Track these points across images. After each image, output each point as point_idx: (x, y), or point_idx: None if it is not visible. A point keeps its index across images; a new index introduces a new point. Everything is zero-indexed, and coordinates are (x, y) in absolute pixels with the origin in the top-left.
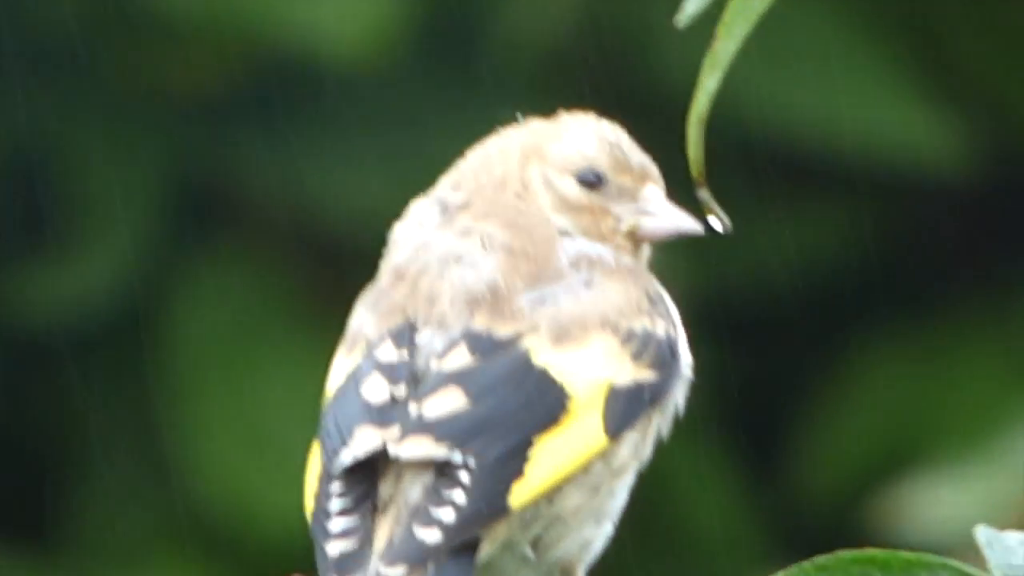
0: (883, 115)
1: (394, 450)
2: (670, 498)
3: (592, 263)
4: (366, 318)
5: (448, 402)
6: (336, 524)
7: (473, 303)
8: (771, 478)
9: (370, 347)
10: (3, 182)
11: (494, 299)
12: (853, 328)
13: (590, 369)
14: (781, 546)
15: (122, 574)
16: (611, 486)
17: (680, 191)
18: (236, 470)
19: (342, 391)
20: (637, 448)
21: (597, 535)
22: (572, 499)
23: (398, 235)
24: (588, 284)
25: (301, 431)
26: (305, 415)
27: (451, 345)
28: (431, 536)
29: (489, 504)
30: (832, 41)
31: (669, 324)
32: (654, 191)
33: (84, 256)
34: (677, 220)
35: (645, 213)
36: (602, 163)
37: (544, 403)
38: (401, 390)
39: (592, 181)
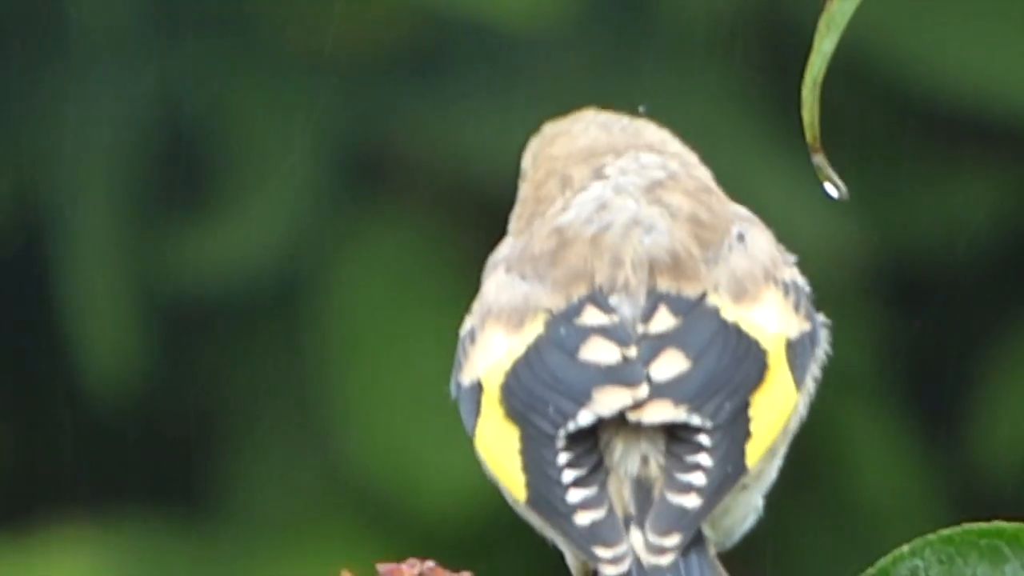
0: None
1: (635, 416)
2: (841, 463)
3: (740, 217)
4: (530, 288)
5: (673, 365)
6: (575, 494)
7: (655, 266)
8: (946, 443)
9: (562, 315)
10: (163, 143)
11: (675, 262)
12: None
13: (769, 324)
14: (956, 513)
15: (280, 542)
16: (784, 448)
17: (843, 153)
18: (395, 437)
19: (534, 360)
20: (804, 405)
21: (760, 501)
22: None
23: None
24: (742, 238)
25: None
26: None
27: (652, 307)
28: (690, 502)
29: (733, 466)
30: None
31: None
32: None
33: (244, 219)
34: None
35: None
36: None
37: (749, 360)
38: (632, 351)
39: None
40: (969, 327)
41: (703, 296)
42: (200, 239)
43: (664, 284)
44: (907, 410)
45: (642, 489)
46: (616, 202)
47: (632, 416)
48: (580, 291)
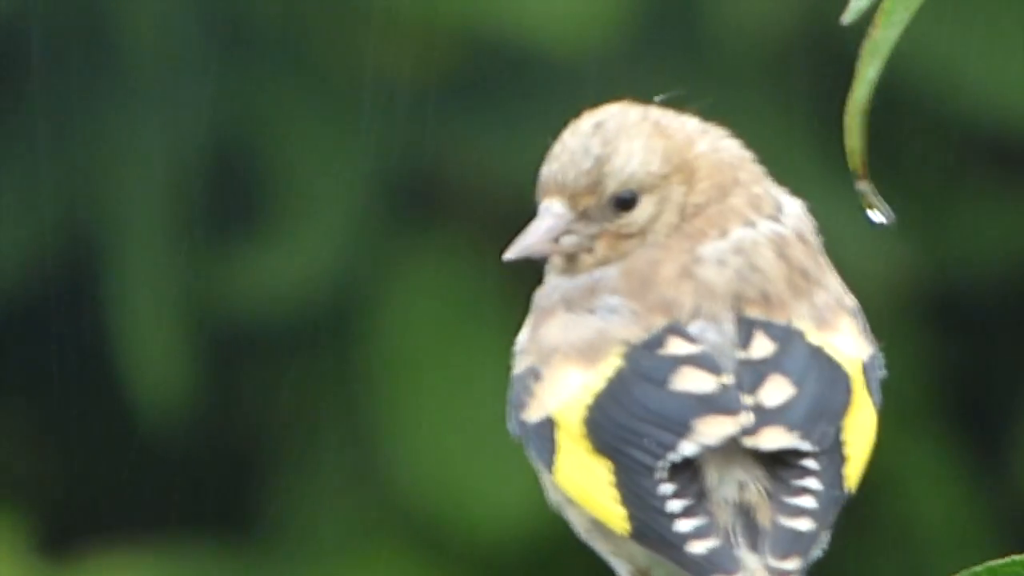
0: None
1: (751, 443)
2: (891, 490)
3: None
4: (603, 322)
5: (781, 391)
6: (684, 524)
7: (742, 297)
8: (996, 470)
9: (642, 346)
10: (215, 169)
11: (764, 298)
12: None
13: (848, 348)
14: (1007, 540)
15: (330, 568)
16: None
17: (890, 179)
18: (446, 464)
19: (618, 393)
20: None
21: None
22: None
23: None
24: (819, 266)
25: None
26: None
27: (747, 333)
28: (803, 525)
29: (839, 489)
30: None
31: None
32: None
33: (294, 244)
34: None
35: None
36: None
37: (839, 384)
38: (728, 379)
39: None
40: (1019, 353)
41: (790, 322)
42: (251, 264)
43: (752, 312)
44: (956, 436)
45: (743, 515)
46: (751, 246)
47: (748, 443)
48: (660, 321)
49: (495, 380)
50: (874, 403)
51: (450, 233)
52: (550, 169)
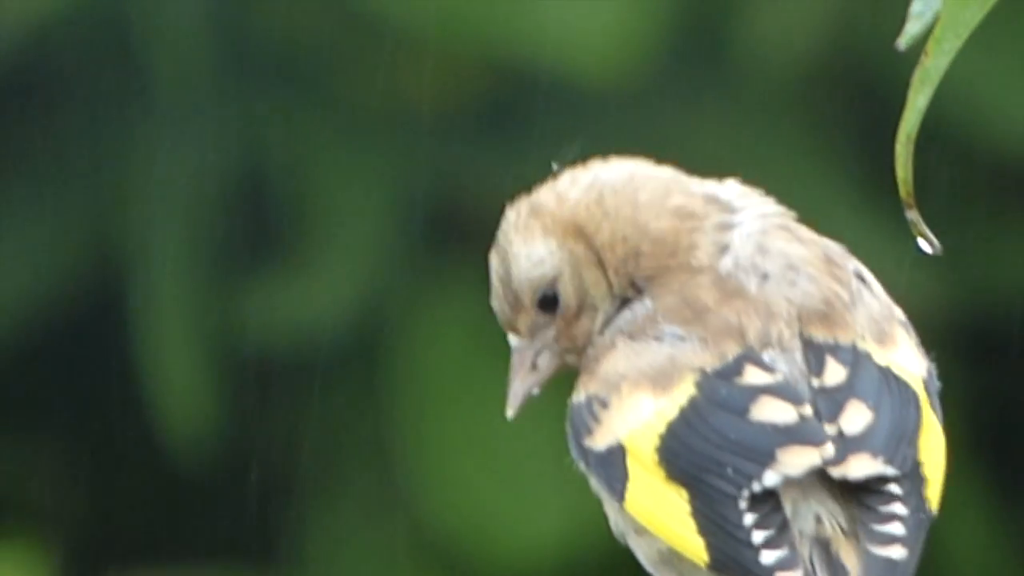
0: None
1: (839, 472)
2: None
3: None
4: (672, 348)
5: (861, 417)
6: (768, 555)
7: (806, 316)
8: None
9: (717, 374)
10: (241, 198)
11: (828, 310)
12: None
13: (910, 364)
14: None
15: None
16: None
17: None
18: (472, 495)
19: (694, 421)
20: None
21: None
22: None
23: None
24: (862, 276)
25: (539, 454)
26: (542, 438)
27: (819, 360)
28: (895, 553)
29: (924, 512)
30: None
31: None
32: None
33: (321, 274)
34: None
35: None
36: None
37: (909, 404)
38: (807, 410)
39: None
40: None
41: (855, 343)
42: (277, 293)
43: (819, 334)
44: (984, 468)
45: (820, 548)
46: (774, 243)
47: (835, 473)
48: (732, 348)
49: (523, 411)
50: (938, 419)
51: (476, 262)
52: (494, 308)
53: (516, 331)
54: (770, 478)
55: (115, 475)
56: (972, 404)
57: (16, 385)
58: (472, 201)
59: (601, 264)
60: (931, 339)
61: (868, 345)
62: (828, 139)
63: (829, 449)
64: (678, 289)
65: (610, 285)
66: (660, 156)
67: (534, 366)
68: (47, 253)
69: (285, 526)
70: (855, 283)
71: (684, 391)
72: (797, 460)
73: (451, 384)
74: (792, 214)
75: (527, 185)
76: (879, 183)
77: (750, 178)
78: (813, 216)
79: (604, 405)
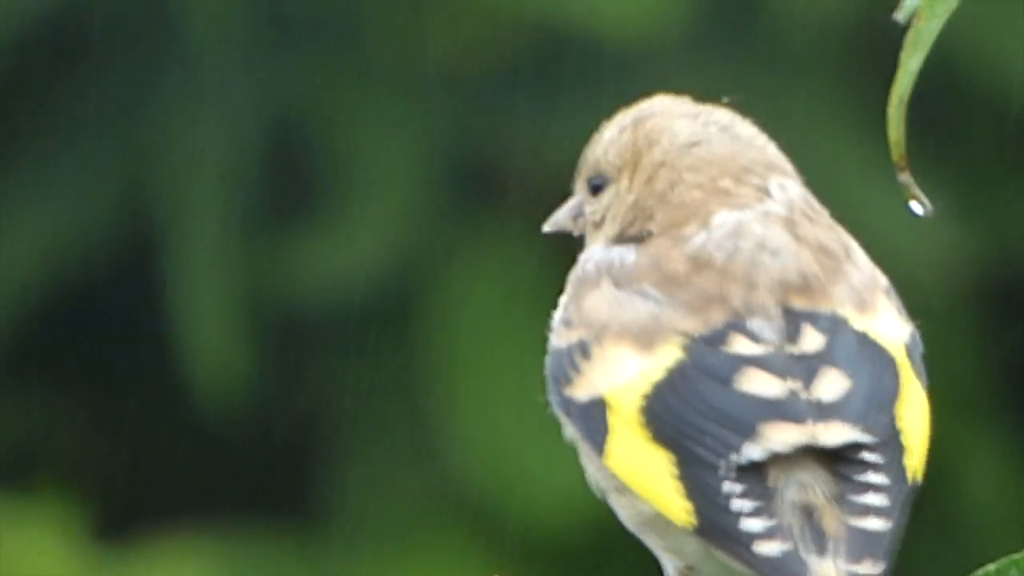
0: None
1: (819, 438)
2: (946, 480)
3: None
4: (657, 308)
5: (837, 384)
6: (754, 523)
7: (787, 287)
8: None
9: (704, 340)
10: (274, 155)
11: (805, 283)
12: None
13: (890, 331)
14: None
15: (386, 552)
16: None
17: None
18: (505, 449)
19: (680, 385)
20: None
21: None
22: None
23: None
24: (849, 252)
25: None
26: None
27: (795, 327)
28: (874, 524)
29: (905, 482)
30: None
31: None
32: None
33: (353, 230)
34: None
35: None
36: None
37: (888, 371)
38: (795, 383)
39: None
40: None
41: (834, 311)
42: (309, 249)
43: (798, 303)
44: (1011, 421)
45: (807, 517)
46: (752, 227)
47: (815, 439)
48: (719, 316)
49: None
50: (922, 385)
51: (508, 218)
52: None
53: (579, 184)
54: (751, 451)
55: (147, 430)
56: (997, 359)
57: (49, 342)
58: (504, 158)
59: (627, 208)
60: (955, 294)
61: (847, 311)
62: (859, 99)
63: (810, 427)
64: (660, 253)
65: (625, 213)
66: None
67: (576, 217)
68: (82, 209)
69: (316, 480)
70: (844, 266)
71: (670, 353)
72: (781, 436)
73: (482, 339)
74: (815, 203)
75: (558, 143)
76: (909, 143)
77: (781, 139)
78: (843, 176)
79: (586, 355)
